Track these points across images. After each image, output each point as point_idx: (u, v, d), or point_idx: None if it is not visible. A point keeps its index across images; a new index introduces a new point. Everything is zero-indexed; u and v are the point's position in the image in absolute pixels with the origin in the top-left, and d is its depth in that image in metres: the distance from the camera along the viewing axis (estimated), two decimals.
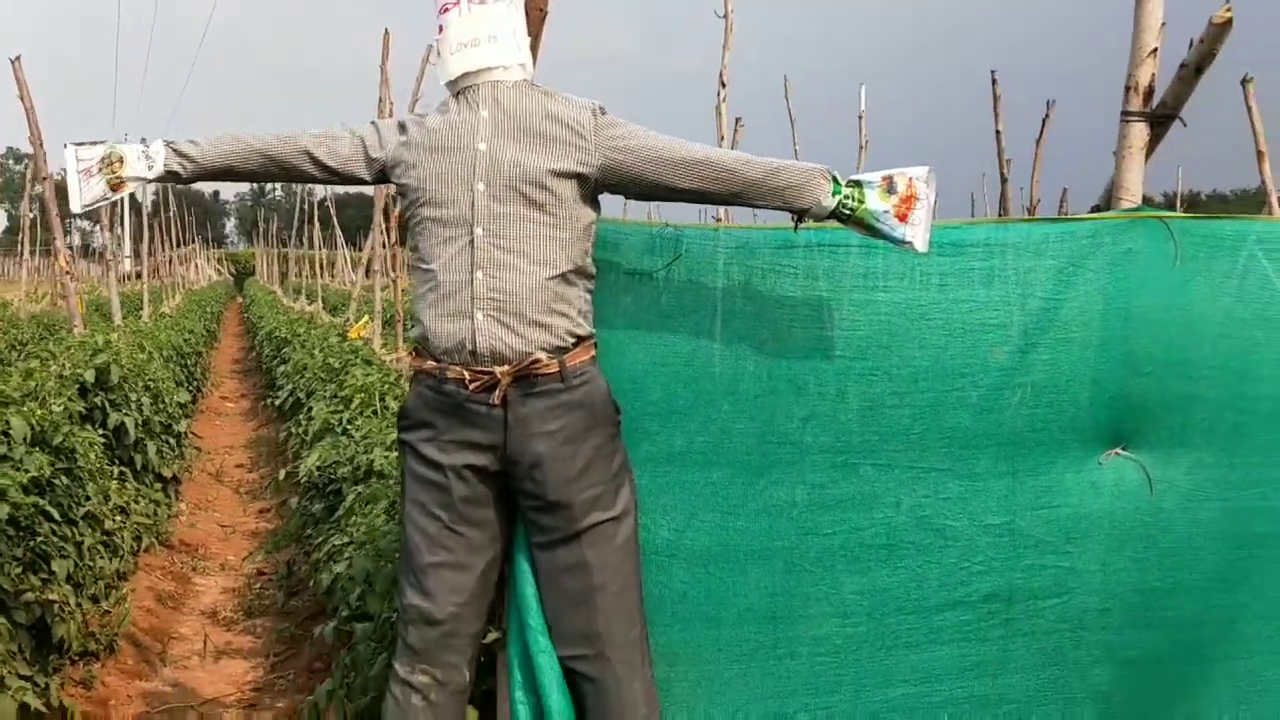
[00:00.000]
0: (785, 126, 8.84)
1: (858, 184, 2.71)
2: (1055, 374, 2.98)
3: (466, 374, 2.68)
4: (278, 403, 9.85)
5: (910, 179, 2.69)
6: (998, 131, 7.78)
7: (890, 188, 2.69)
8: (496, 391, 2.68)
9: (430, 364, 2.74)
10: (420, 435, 2.78)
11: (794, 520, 2.98)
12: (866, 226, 2.71)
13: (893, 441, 2.98)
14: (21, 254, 19.11)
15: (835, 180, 2.70)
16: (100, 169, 2.81)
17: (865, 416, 2.97)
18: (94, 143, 2.85)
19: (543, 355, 2.67)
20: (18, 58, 7.46)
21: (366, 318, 9.94)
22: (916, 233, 2.69)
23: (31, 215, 18.87)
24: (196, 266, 43.00)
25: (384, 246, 9.92)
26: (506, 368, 2.67)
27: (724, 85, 5.51)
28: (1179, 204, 16.27)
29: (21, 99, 7.49)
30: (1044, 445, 3.00)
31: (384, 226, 9.44)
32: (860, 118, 8.60)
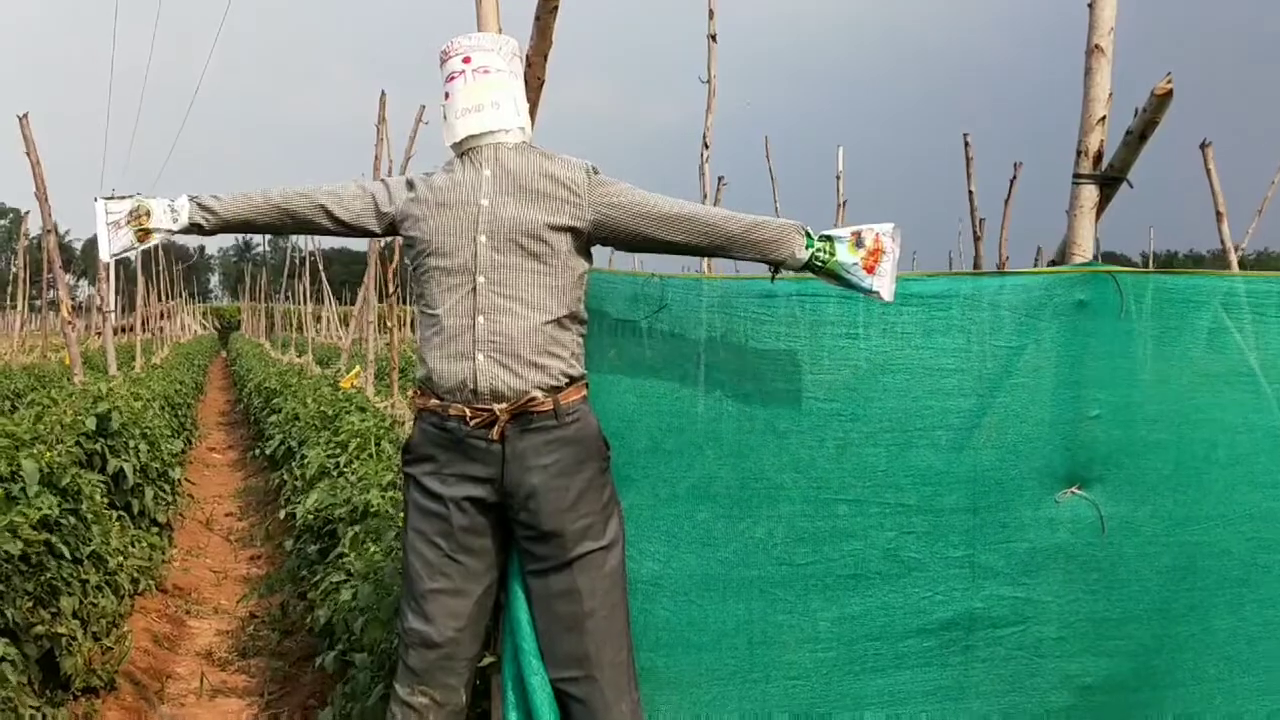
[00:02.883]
0: (766, 184, 9.15)
1: (829, 239, 2.95)
2: (1012, 417, 3.19)
3: (468, 411, 2.90)
4: (268, 451, 10.00)
5: (877, 234, 2.93)
6: (970, 192, 8.08)
7: (859, 242, 2.93)
8: (495, 428, 2.89)
9: (434, 402, 2.95)
10: (423, 469, 2.99)
11: (770, 552, 3.18)
12: (837, 278, 2.95)
13: (864, 480, 3.19)
14: (19, 307, 19.25)
15: (809, 235, 2.95)
16: (128, 221, 3.04)
17: (839, 457, 3.18)
18: (122, 197, 3.08)
19: (539, 394, 2.89)
20: (25, 115, 7.72)
21: (359, 368, 10.12)
22: (883, 283, 2.93)
23: (14, 270, 19.01)
24: (181, 322, 43.03)
25: (380, 300, 10.12)
26: (505, 405, 2.89)
27: (707, 146, 5.77)
28: (1152, 263, 16.61)
29: (28, 154, 7.73)
30: (1004, 484, 3.21)
31: (383, 278, 9.61)
32: (838, 178, 8.89)
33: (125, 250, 3.06)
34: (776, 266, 2.99)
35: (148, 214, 3.04)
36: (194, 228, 3.05)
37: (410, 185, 3.06)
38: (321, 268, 23.70)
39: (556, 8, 3.10)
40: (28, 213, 18.22)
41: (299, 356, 20.23)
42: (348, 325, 15.23)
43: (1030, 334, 3.19)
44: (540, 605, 2.98)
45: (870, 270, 2.93)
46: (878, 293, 2.94)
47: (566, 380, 2.94)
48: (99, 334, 16.06)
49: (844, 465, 3.19)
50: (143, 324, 23.23)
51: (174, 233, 3.07)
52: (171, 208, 3.05)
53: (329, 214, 3.05)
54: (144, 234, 3.05)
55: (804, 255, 2.93)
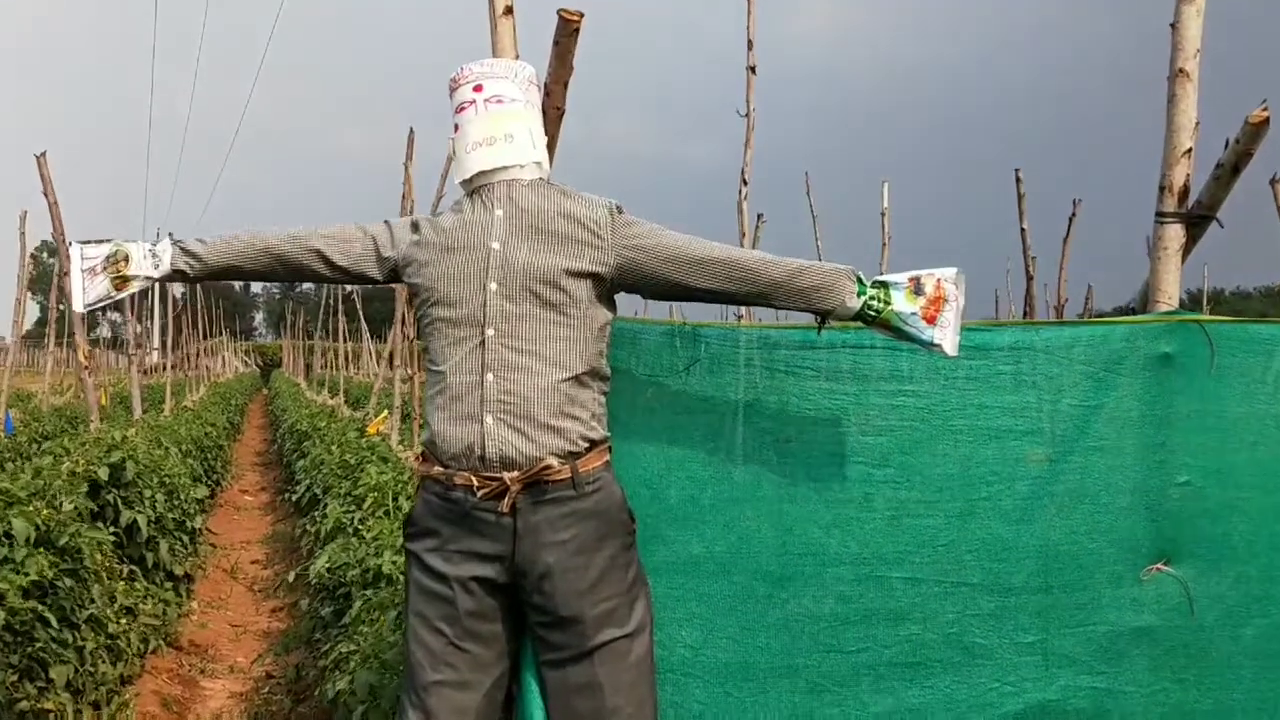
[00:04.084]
0: (807, 221, 8.82)
1: (884, 285, 2.62)
2: (1089, 482, 2.87)
3: (475, 480, 2.58)
4: (295, 497, 9.73)
5: (938, 280, 2.60)
6: (1022, 229, 7.71)
7: (918, 289, 2.60)
8: (505, 499, 2.56)
9: (437, 469, 2.63)
10: (425, 545, 2.66)
11: (816, 636, 2.84)
12: (892, 328, 2.62)
13: (921, 552, 2.87)
14: (48, 345, 19.13)
15: (860, 281, 2.62)
16: (105, 268, 2.76)
17: (892, 525, 2.86)
18: (99, 241, 2.79)
19: (554, 460, 2.57)
20: (43, 154, 7.54)
21: (386, 412, 9.85)
22: (945, 335, 2.60)
23: (60, 308, 18.93)
24: (223, 359, 43.22)
25: (404, 340, 9.90)
26: (516, 474, 2.56)
27: (745, 183, 5.46)
28: (1205, 301, 16.12)
29: (46, 194, 7.54)
30: (1080, 559, 2.88)
31: (405, 319, 9.43)
32: (883, 214, 8.54)
33: (101, 300, 2.77)
34: (824, 316, 2.65)
35: (126, 259, 2.75)
36: (177, 274, 2.77)
37: (415, 227, 2.75)
38: (359, 304, 23.58)
39: (578, 30, 2.80)
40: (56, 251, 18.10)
41: (332, 398, 20.03)
42: (385, 362, 14.99)
43: (1109, 391, 2.85)
44: (557, 700, 2.64)
45: (930, 320, 2.59)
46: (939, 346, 2.60)
47: (586, 445, 2.61)
48: (142, 371, 15.89)
49: (898, 538, 2.86)
50: (183, 361, 23.13)
51: (155, 280, 2.79)
52: (153, 253, 2.76)
53: (325, 259, 2.76)
54: (121, 282, 2.77)
55: (855, 304, 2.60)
